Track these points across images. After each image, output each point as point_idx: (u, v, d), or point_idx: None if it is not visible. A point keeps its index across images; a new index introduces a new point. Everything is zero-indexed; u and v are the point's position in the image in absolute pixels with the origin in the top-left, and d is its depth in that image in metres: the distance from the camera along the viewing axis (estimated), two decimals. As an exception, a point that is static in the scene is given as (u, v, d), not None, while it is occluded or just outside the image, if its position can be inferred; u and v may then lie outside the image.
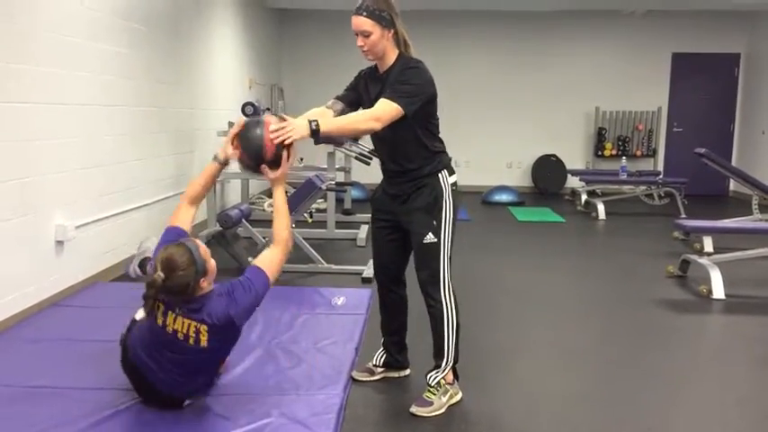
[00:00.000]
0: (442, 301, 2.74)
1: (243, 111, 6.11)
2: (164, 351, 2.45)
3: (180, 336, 2.39)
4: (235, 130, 2.57)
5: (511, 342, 3.65)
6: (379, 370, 3.06)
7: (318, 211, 7.21)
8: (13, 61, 3.54)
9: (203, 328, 2.38)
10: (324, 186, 4.85)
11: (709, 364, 3.49)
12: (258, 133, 2.50)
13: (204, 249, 2.45)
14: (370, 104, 2.71)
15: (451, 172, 2.79)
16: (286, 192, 2.80)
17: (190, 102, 6.34)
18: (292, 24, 10.29)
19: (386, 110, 2.52)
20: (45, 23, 3.84)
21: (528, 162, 10.41)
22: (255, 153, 2.51)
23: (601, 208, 7.94)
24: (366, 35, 2.58)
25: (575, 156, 10.38)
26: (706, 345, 3.88)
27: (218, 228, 5.13)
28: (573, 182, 9.76)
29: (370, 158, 6.55)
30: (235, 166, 2.86)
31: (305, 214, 5.13)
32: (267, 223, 5.65)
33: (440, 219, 2.71)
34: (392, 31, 2.62)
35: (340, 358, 3.17)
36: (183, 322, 2.39)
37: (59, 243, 4.00)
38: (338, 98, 2.82)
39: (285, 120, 2.47)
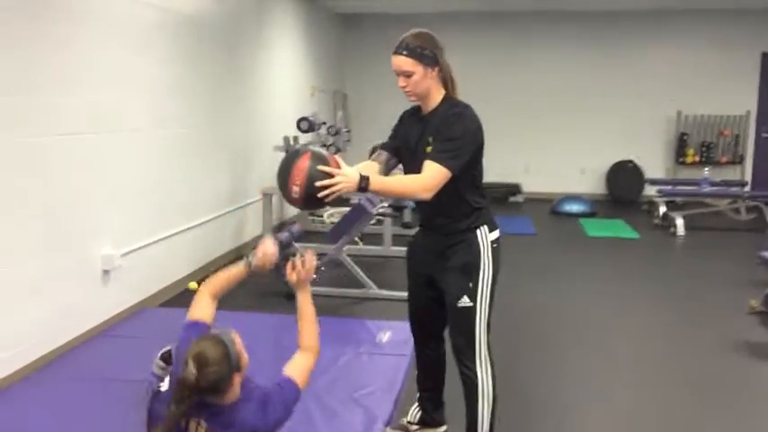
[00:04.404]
0: (476, 371, 2.51)
1: (298, 126, 6.02)
2: None
3: None
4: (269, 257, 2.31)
5: (558, 393, 3.37)
6: (414, 428, 2.89)
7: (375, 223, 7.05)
8: (57, 94, 3.53)
9: None
10: (374, 211, 4.66)
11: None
12: (292, 160, 2.20)
13: (239, 341, 2.24)
14: (408, 150, 2.51)
15: (493, 227, 2.53)
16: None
17: (247, 116, 6.29)
18: (355, 29, 10.14)
19: (435, 176, 2.30)
20: (91, 51, 3.82)
21: (603, 168, 9.90)
22: (283, 182, 2.21)
23: (680, 222, 7.42)
24: (408, 75, 2.36)
25: (654, 162, 9.78)
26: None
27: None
28: (651, 190, 9.21)
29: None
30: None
31: (356, 239, 4.96)
32: (323, 236, 5.51)
33: (477, 280, 2.47)
34: (436, 69, 2.39)
35: (376, 413, 2.99)
36: None
37: (106, 272, 4.00)
38: (383, 147, 2.62)
39: (339, 165, 2.20)
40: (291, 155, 2.23)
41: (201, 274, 5.37)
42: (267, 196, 6.23)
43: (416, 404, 2.90)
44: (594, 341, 4.16)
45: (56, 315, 3.58)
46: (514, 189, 9.88)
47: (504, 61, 9.90)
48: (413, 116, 2.55)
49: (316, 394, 3.17)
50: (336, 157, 2.24)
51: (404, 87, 2.40)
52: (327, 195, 2.16)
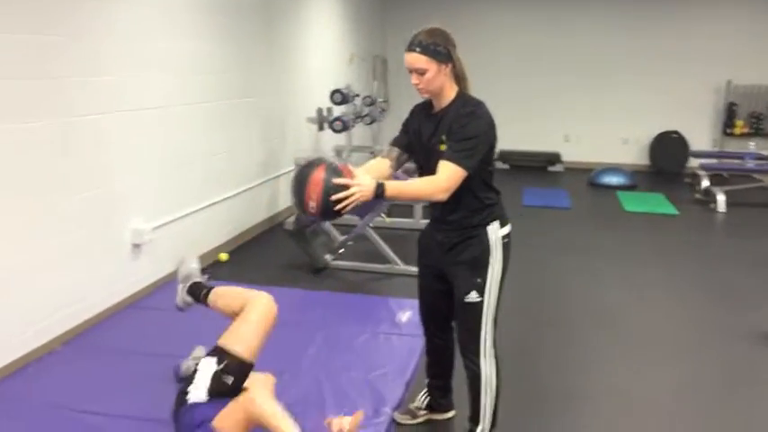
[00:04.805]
0: (480, 365, 2.55)
1: (331, 98, 6.02)
2: None
3: None
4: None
5: (575, 384, 3.38)
6: (422, 412, 2.96)
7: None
8: (87, 74, 3.62)
9: None
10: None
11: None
12: (306, 174, 2.21)
13: None
14: (421, 146, 2.52)
15: (504, 223, 2.53)
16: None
17: (282, 87, 6.32)
18: (398, -9, 9.99)
19: (451, 177, 2.32)
20: (119, 31, 3.89)
21: (646, 138, 9.64)
22: (299, 197, 2.24)
23: (721, 199, 7.21)
24: (421, 72, 2.36)
25: (700, 133, 9.47)
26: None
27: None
28: (696, 162, 8.95)
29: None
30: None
31: (381, 215, 4.99)
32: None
33: (485, 276, 2.49)
34: (449, 65, 2.38)
35: (386, 396, 3.07)
36: None
37: (136, 246, 4.14)
38: (394, 143, 2.63)
39: (353, 174, 2.25)
40: (305, 169, 2.25)
41: (234, 245, 5.52)
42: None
43: (425, 390, 2.97)
44: (621, 324, 4.13)
45: (84, 288, 3.75)
46: (554, 158, 9.73)
47: (543, 26, 9.63)
48: (424, 111, 2.54)
49: (331, 373, 3.27)
50: (349, 166, 2.29)
51: (417, 85, 2.39)
52: (345, 207, 2.21)
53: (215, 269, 4.96)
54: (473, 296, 2.50)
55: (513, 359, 3.58)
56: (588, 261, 5.42)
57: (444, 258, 2.58)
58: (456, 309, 2.58)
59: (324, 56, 7.48)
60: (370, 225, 5.02)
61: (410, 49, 2.36)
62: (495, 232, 2.50)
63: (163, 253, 4.44)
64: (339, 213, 2.26)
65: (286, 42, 6.36)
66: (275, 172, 6.19)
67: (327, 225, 5.14)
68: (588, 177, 8.81)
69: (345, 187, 2.20)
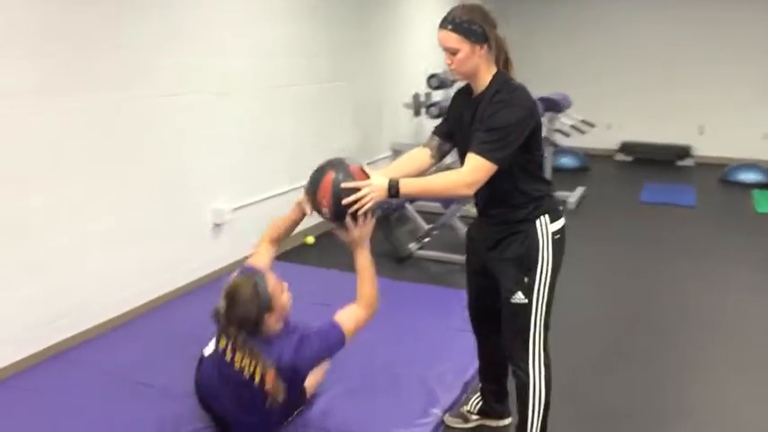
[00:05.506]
0: (528, 372, 2.30)
1: (428, 83, 5.82)
2: (228, 387, 2.38)
3: (246, 374, 2.29)
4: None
5: (668, 401, 3.00)
6: (474, 417, 2.75)
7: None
8: (174, 55, 3.69)
9: (271, 370, 2.27)
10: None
11: None
12: (317, 180, 2.19)
13: (275, 284, 2.29)
14: (462, 133, 2.30)
15: (556, 217, 2.26)
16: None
17: (378, 71, 6.21)
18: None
19: (475, 170, 2.10)
20: (210, 14, 3.93)
21: (793, 132, 8.61)
22: (314, 204, 2.23)
23: None
24: (453, 52, 2.14)
25: None
26: None
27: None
28: None
29: (591, 125, 5.73)
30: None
31: (467, 205, 4.75)
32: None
33: (533, 275, 2.23)
34: (484, 46, 2.14)
35: (440, 396, 2.88)
36: (251, 362, 2.28)
37: (217, 225, 4.19)
38: (435, 131, 2.45)
39: (366, 175, 2.16)
40: (317, 173, 2.22)
41: (322, 229, 5.48)
42: (397, 153, 6.17)
43: (478, 394, 2.76)
44: (736, 337, 3.66)
45: (163, 264, 3.83)
46: (683, 152, 8.93)
47: (679, 9, 8.83)
48: (464, 97, 2.32)
49: (390, 365, 3.15)
50: (363, 166, 2.19)
51: (449, 65, 2.19)
52: (359, 209, 2.13)
53: (301, 253, 4.95)
54: (519, 297, 2.25)
55: (597, 368, 3.27)
56: (706, 265, 4.87)
57: (488, 255, 2.35)
58: (503, 310, 2.35)
59: (427, 40, 7.27)
60: (458, 214, 4.80)
61: (442, 26, 2.16)
62: (545, 227, 2.24)
63: (245, 234, 4.46)
64: (354, 216, 2.17)
65: (383, 26, 6.25)
66: (370, 157, 6.09)
67: (413, 212, 4.98)
68: (721, 174, 7.99)
69: (356, 190, 2.09)
